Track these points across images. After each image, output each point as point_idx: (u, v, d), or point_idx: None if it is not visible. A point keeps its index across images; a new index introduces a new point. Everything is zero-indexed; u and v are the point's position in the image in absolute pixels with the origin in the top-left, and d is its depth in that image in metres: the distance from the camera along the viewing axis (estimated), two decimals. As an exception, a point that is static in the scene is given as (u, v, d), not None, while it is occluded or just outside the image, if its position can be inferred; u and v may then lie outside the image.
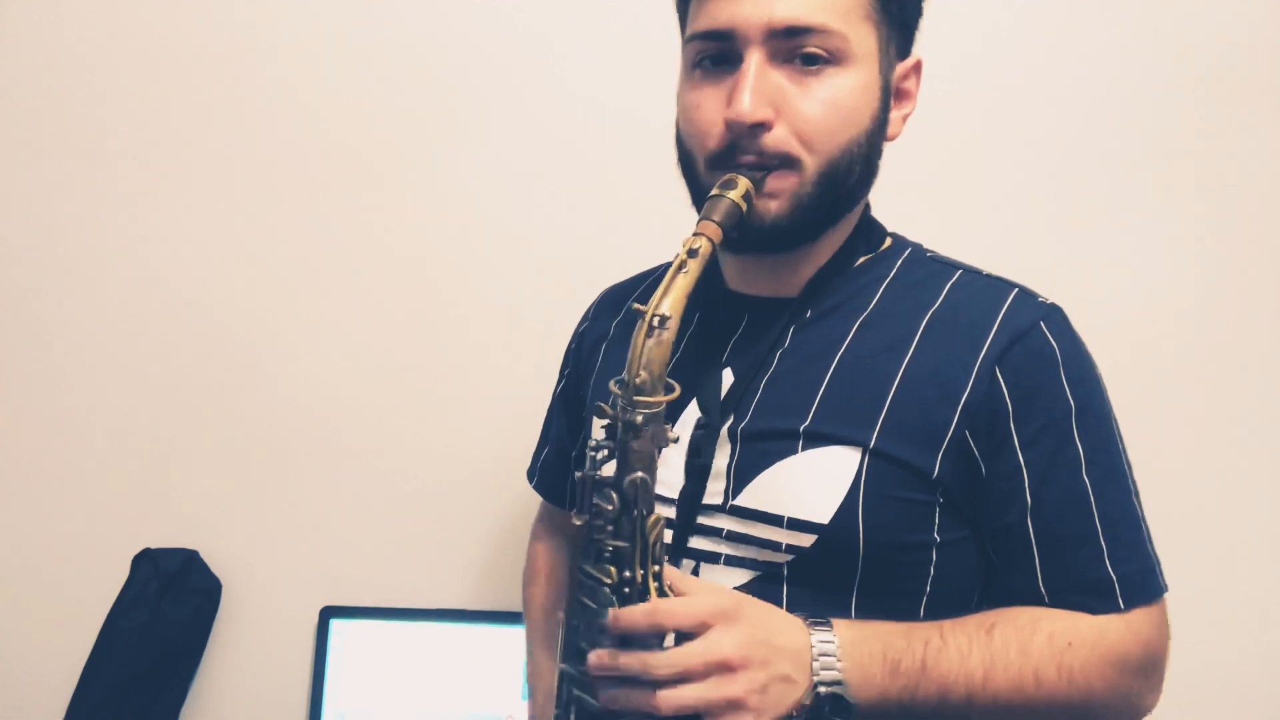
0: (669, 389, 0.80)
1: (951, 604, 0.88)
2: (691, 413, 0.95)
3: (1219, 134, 1.50)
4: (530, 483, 1.24)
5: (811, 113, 0.88)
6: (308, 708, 1.51)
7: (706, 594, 0.81)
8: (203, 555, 1.53)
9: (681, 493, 0.93)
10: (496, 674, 1.48)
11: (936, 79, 1.45)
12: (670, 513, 0.93)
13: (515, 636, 1.47)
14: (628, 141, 1.48)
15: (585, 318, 1.18)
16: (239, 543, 1.55)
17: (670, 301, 0.79)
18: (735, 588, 0.88)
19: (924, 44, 0.98)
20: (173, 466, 1.55)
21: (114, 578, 1.51)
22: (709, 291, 1.01)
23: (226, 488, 1.55)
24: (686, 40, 0.94)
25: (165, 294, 1.54)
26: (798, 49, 0.87)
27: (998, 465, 0.87)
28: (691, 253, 0.81)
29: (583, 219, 1.52)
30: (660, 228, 1.10)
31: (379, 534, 1.55)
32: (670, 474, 0.93)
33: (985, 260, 1.00)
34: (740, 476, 0.90)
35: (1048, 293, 0.95)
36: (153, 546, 1.52)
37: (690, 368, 0.98)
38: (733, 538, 0.90)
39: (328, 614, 1.51)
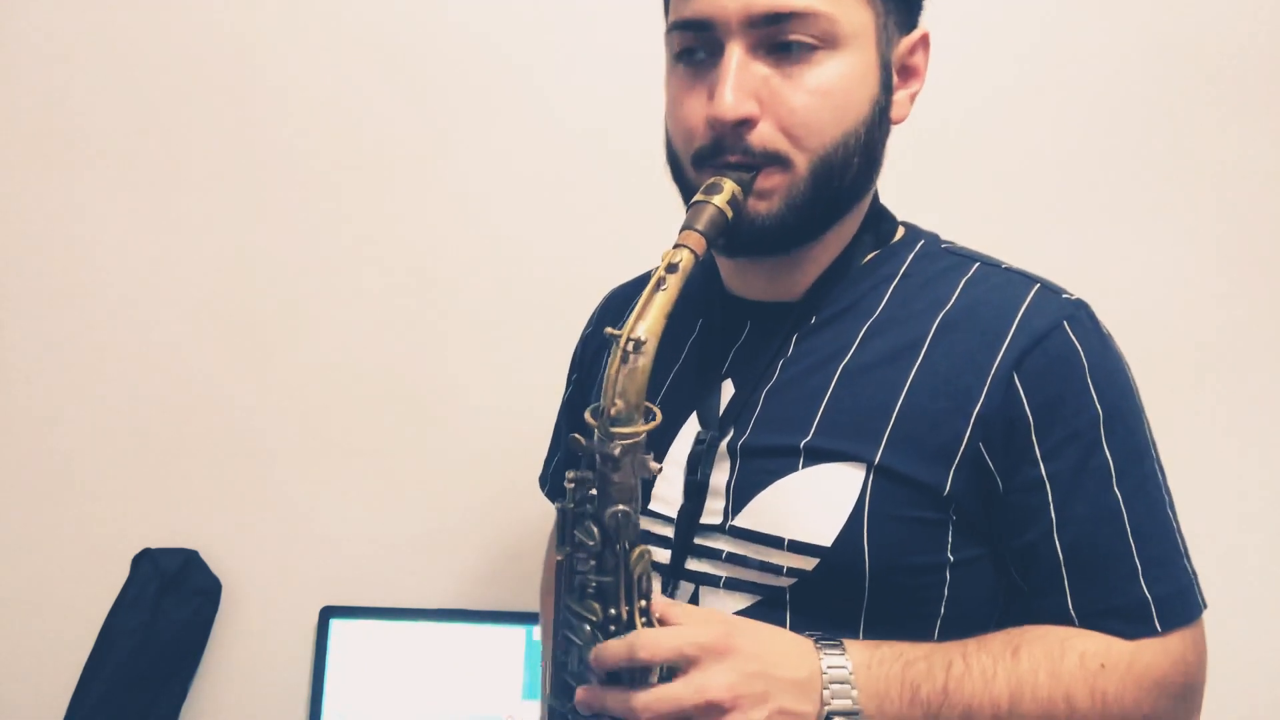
0: (649, 416, 0.73)
1: (968, 626, 0.80)
2: (692, 426, 0.88)
3: (1228, 131, 1.46)
4: (542, 490, 1.18)
5: (799, 105, 0.79)
6: (308, 708, 1.47)
7: (692, 625, 0.74)
8: (203, 555, 1.50)
9: (680, 512, 0.86)
10: (496, 674, 1.44)
11: (941, 75, 1.44)
12: (669, 532, 0.86)
13: (515, 636, 1.45)
14: (636, 138, 1.45)
15: (590, 321, 1.12)
16: (239, 543, 1.51)
17: (647, 323, 0.72)
18: (736, 613, 0.82)
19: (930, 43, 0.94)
20: (173, 466, 1.51)
21: (114, 578, 1.48)
22: (710, 296, 0.94)
23: (226, 488, 1.51)
24: (667, 30, 0.86)
25: (165, 294, 1.50)
26: (781, 36, 0.79)
27: (1017, 480, 0.79)
28: (671, 267, 0.74)
29: (586, 219, 1.48)
30: (671, 226, 1.07)
31: (379, 534, 1.52)
32: (670, 491, 0.87)
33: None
34: (740, 495, 0.83)
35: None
36: (153, 546, 1.49)
37: (691, 378, 0.91)
38: (732, 560, 0.83)
39: (328, 614, 1.47)
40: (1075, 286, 0.88)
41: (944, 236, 0.95)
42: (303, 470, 1.52)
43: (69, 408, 1.51)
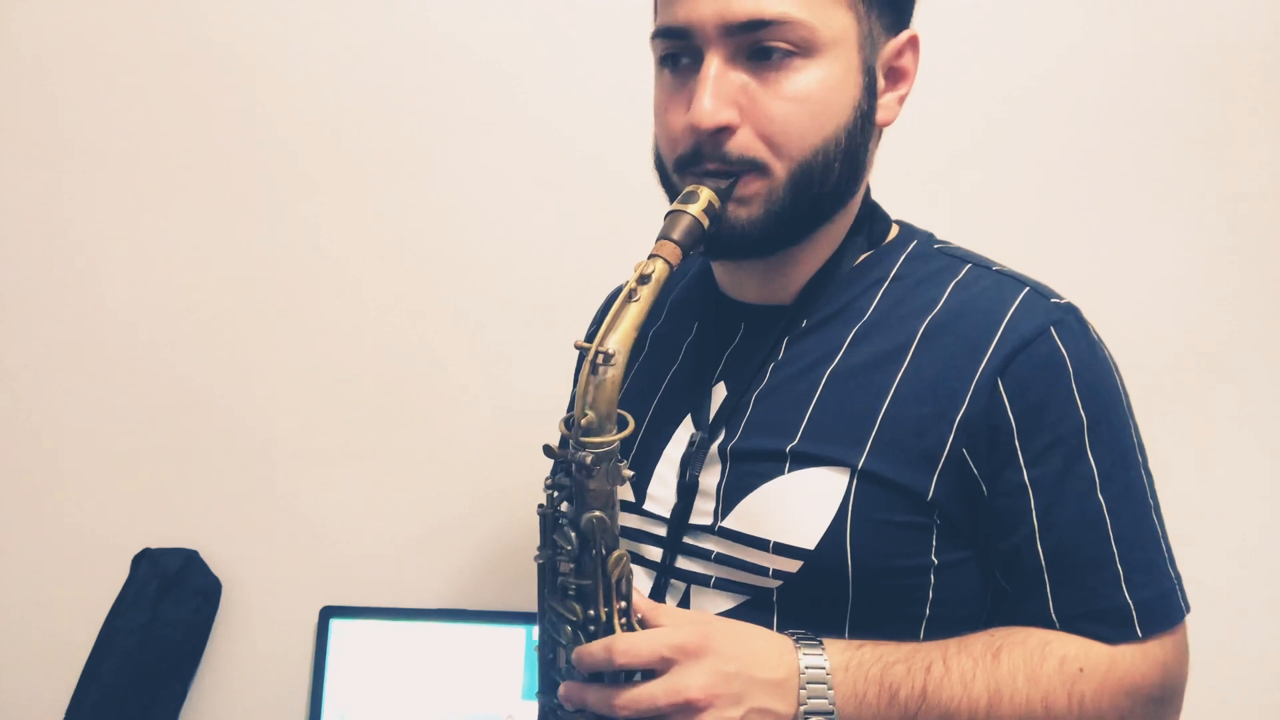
0: (622, 424, 0.74)
1: (955, 626, 0.81)
2: (686, 428, 0.89)
3: (1238, 134, 1.45)
4: None
5: (777, 113, 0.80)
6: (308, 708, 1.47)
7: (670, 627, 0.75)
8: (203, 555, 1.50)
9: (672, 512, 0.87)
10: (496, 674, 1.44)
11: (941, 78, 1.44)
12: (662, 531, 0.87)
13: (515, 636, 1.45)
14: (626, 142, 1.45)
15: (594, 322, 1.13)
16: (239, 543, 1.51)
17: (618, 336, 0.73)
18: (724, 612, 0.83)
19: (928, 47, 0.93)
20: (173, 466, 1.51)
21: (114, 578, 1.48)
22: (706, 300, 0.95)
23: (226, 488, 1.51)
24: (650, 37, 0.87)
25: (164, 294, 1.50)
26: (759, 43, 0.79)
27: (1000, 484, 0.79)
28: (643, 279, 0.75)
29: (579, 221, 1.48)
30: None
31: (379, 534, 1.51)
32: (664, 491, 0.88)
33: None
34: (729, 497, 0.84)
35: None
36: (153, 546, 1.49)
37: (686, 381, 0.92)
38: (721, 560, 0.84)
39: (328, 614, 1.47)
40: (1084, 290, 0.88)
41: (953, 239, 0.94)
42: (302, 470, 1.52)
43: (69, 408, 1.51)
